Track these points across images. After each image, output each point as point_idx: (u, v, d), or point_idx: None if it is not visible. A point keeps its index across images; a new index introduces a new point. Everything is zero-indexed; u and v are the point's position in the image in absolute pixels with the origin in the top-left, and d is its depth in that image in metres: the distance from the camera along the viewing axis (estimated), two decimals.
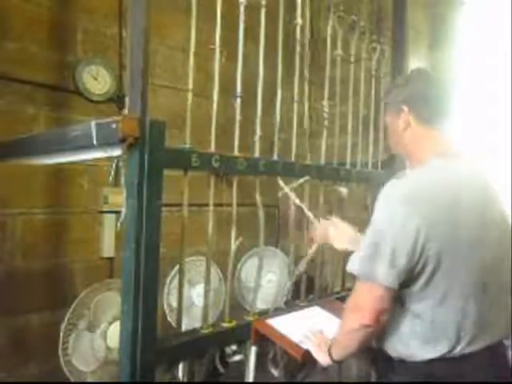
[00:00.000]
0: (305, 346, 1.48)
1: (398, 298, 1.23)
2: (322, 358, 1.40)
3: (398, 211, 1.18)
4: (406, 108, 1.35)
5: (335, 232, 1.69)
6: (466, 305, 1.22)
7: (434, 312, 1.22)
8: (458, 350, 1.22)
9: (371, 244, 1.20)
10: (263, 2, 1.68)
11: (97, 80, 2.46)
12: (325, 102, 2.00)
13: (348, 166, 2.13)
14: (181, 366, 1.55)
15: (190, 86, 1.53)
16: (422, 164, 1.31)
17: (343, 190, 2.07)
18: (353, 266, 1.25)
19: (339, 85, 2.10)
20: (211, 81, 1.57)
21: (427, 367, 1.24)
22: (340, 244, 1.68)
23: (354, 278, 2.26)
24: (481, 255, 1.24)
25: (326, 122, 2.01)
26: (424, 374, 1.24)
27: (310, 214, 1.84)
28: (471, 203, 1.24)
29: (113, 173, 2.37)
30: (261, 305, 1.89)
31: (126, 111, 1.31)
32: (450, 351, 1.22)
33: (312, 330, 1.53)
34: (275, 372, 1.78)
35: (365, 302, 1.19)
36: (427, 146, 1.33)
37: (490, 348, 1.26)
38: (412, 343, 1.25)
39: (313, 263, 2.00)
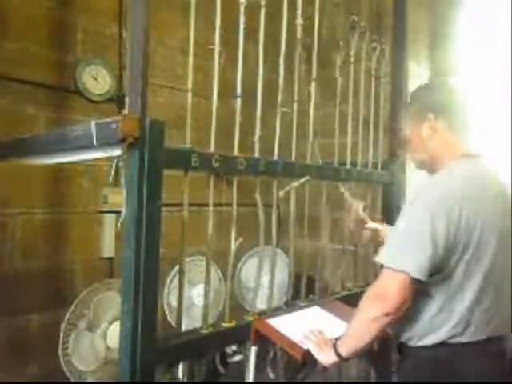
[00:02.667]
0: (305, 346, 1.48)
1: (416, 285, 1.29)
2: (326, 357, 1.41)
3: (430, 209, 1.25)
4: (432, 116, 1.40)
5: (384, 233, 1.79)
6: (480, 295, 1.28)
7: (448, 298, 1.28)
8: (463, 337, 1.28)
9: (402, 237, 1.29)
10: (263, 2, 1.68)
11: (97, 80, 2.46)
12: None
13: (348, 166, 2.13)
14: (181, 366, 1.55)
15: (190, 86, 1.52)
16: (446, 166, 1.38)
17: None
18: (382, 256, 1.31)
19: (339, 85, 2.10)
20: (211, 81, 1.57)
21: (434, 352, 1.30)
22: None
23: (353, 278, 2.27)
24: (503, 248, 1.31)
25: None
26: (430, 359, 1.31)
27: (364, 216, 1.90)
28: (495, 199, 1.34)
29: (113, 173, 2.37)
30: (261, 305, 1.88)
31: (125, 111, 1.31)
32: (456, 337, 1.28)
33: (312, 329, 1.53)
34: (271, 375, 1.78)
35: (390, 291, 1.25)
36: (453, 150, 1.40)
37: (497, 338, 1.31)
38: (422, 326, 1.32)
39: (313, 263, 2.00)
